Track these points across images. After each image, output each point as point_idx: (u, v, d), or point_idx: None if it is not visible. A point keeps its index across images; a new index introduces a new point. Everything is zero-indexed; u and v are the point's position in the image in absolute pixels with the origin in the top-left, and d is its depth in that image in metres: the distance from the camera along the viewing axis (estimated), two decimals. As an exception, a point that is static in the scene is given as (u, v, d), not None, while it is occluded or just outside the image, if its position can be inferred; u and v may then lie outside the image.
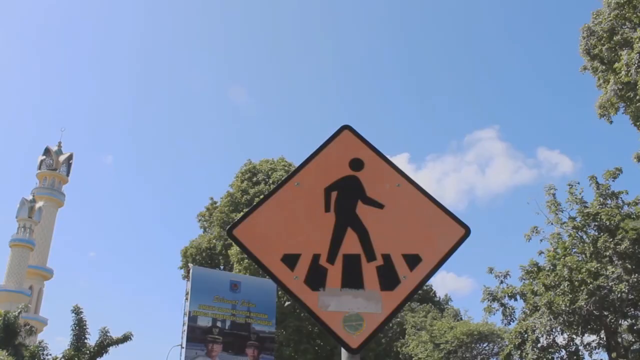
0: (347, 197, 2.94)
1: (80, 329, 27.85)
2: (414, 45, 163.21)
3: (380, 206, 2.92)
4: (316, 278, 2.77)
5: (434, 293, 58.52)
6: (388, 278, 2.76)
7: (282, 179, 3.03)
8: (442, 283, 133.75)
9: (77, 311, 28.40)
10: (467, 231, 2.85)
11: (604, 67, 22.20)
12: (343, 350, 2.64)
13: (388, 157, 3.04)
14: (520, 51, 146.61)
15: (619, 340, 21.59)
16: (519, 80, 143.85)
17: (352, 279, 2.76)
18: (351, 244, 2.83)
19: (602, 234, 20.67)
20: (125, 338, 28.96)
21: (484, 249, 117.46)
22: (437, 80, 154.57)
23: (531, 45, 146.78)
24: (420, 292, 53.88)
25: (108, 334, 28.22)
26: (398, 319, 46.31)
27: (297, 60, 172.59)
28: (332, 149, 3.07)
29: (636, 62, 19.43)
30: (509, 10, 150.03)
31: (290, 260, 2.81)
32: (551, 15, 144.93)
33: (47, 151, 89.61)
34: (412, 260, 2.80)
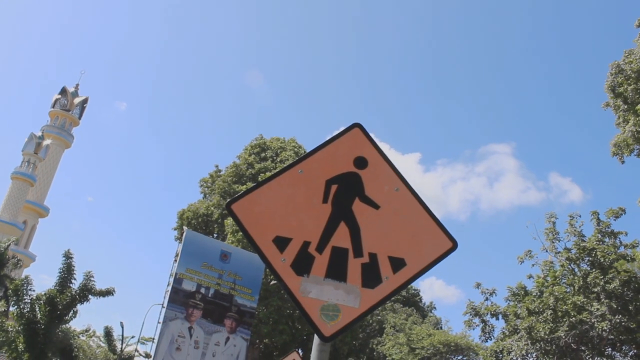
0: (345, 192, 3.01)
1: (68, 273, 28.06)
2: (443, 53, 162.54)
3: (376, 206, 2.99)
4: (302, 264, 2.84)
5: (420, 298, 58.74)
6: (371, 276, 2.83)
7: (288, 164, 3.11)
8: (429, 288, 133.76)
9: (67, 256, 28.60)
10: (454, 245, 2.92)
11: (626, 107, 22.14)
12: (315, 337, 2.73)
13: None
14: (548, 76, 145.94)
15: (591, 377, 21.68)
16: (543, 103, 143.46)
17: (337, 271, 2.83)
18: (342, 237, 2.90)
19: (594, 270, 20.71)
20: (108, 292, 29.21)
21: (477, 263, 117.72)
22: (461, 88, 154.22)
23: (560, 73, 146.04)
24: (405, 294, 54.06)
25: (92, 278, 28.44)
26: (378, 317, 46.52)
27: (322, 50, 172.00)
28: (340, 144, 3.13)
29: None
30: (543, 38, 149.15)
31: (281, 243, 2.88)
32: (584, 49, 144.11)
33: (63, 91, 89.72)
34: (397, 264, 2.87)
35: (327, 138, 3.18)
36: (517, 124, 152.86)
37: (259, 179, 36.55)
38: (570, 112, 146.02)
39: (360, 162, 3.09)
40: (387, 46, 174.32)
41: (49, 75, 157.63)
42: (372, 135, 3.18)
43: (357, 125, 3.20)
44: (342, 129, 3.20)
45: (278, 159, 41.65)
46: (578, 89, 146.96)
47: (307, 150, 3.14)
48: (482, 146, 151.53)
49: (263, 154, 43.14)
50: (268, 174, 36.78)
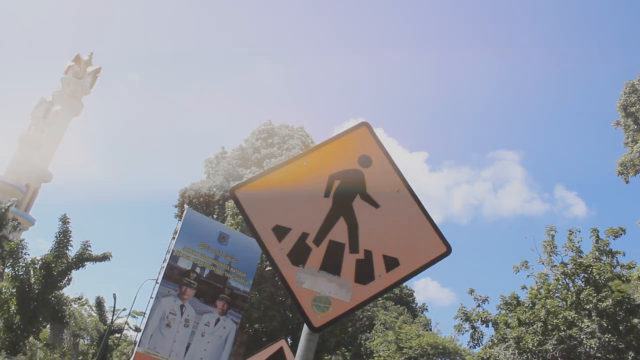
0: (347, 188, 3.07)
1: (64, 238, 28.14)
2: (459, 56, 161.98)
3: (376, 205, 3.05)
4: (299, 254, 2.90)
5: (413, 298, 58.83)
6: (364, 273, 2.90)
7: (294, 153, 3.16)
8: (424, 289, 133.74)
9: (64, 220, 28.68)
10: (449, 250, 2.99)
11: (636, 127, 22.10)
12: (305, 327, 2.80)
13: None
14: (562, 89, 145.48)
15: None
16: (554, 115, 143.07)
17: (332, 265, 2.90)
18: (339, 232, 2.97)
19: (588, 286, 20.73)
20: (104, 257, 29.33)
21: (473, 268, 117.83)
22: (474, 91, 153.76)
23: (574, 88, 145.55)
24: (399, 293, 54.14)
25: (89, 248, 28.57)
26: (369, 313, 46.63)
27: (336, 45, 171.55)
28: (347, 141, 3.19)
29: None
30: (560, 54, 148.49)
31: (280, 232, 2.94)
32: (600, 66, 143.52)
33: (77, 58, 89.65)
34: (391, 263, 2.94)
35: (336, 132, 3.24)
36: (527, 133, 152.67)
37: (264, 164, 36.57)
38: (580, 127, 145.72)
39: (365, 161, 3.15)
40: (403, 45, 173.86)
41: (64, 42, 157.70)
42: (380, 131, 3.24)
43: (364, 124, 3.26)
44: (352, 122, 3.26)
45: (285, 146, 41.52)
46: (591, 105, 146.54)
47: (315, 140, 3.20)
48: (490, 151, 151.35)
49: (270, 140, 43.04)
50: (274, 160, 36.77)
